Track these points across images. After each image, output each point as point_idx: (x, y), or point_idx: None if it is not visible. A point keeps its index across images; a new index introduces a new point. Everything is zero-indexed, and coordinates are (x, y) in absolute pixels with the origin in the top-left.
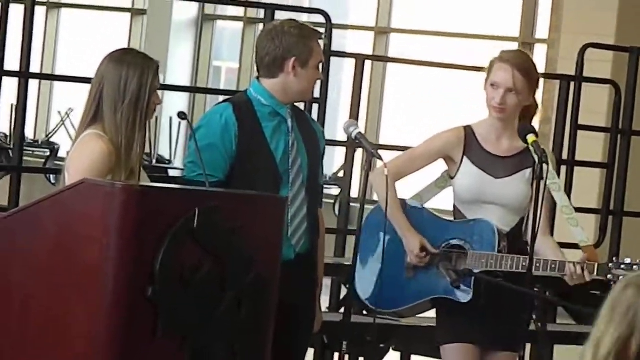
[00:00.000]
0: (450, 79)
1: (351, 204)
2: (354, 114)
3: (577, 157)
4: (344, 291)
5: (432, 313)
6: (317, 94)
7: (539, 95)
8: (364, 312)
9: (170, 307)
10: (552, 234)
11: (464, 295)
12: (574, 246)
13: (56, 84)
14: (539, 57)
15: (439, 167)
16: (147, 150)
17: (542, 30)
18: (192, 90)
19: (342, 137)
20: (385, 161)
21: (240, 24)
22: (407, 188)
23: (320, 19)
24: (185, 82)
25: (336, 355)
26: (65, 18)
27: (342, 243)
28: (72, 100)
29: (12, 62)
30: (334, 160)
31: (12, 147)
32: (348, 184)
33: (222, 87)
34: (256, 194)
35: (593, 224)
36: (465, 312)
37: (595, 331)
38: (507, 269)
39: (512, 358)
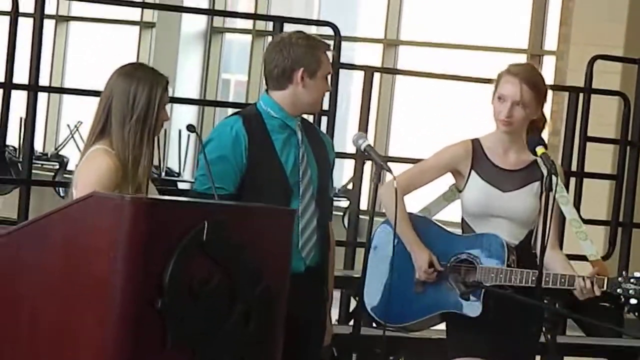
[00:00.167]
0: (459, 91)
1: (360, 217)
2: (363, 126)
3: (586, 169)
4: (353, 304)
5: (441, 325)
6: (326, 106)
7: (547, 107)
8: (374, 325)
9: (179, 319)
10: (561, 247)
11: (473, 310)
12: (583, 258)
13: (65, 97)
14: (548, 69)
15: (447, 180)
16: (156, 163)
17: (551, 41)
18: (201, 102)
19: (351, 149)
20: (395, 174)
21: (248, 37)
22: (415, 201)
23: (329, 31)
24: (194, 94)
25: None
26: (74, 31)
27: (351, 255)
28: (81, 113)
29: (21, 75)
30: (343, 172)
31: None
32: (357, 197)
33: (231, 99)
34: (265, 206)
35: (602, 235)
36: (474, 325)
37: None
38: (517, 283)
39: None
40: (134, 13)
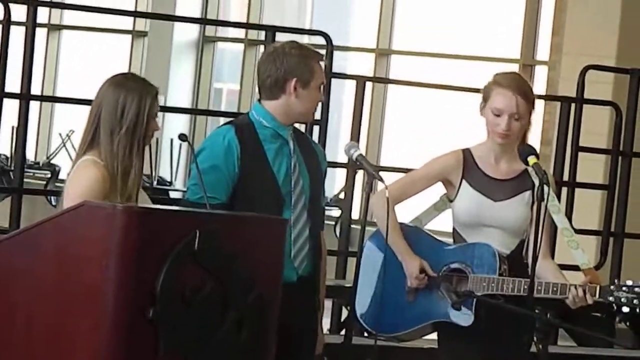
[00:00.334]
0: (451, 101)
1: (352, 226)
2: (355, 136)
3: (578, 179)
4: (344, 313)
5: (433, 335)
6: (317, 116)
7: (539, 117)
8: (365, 334)
9: (172, 327)
10: (552, 256)
11: (465, 319)
12: (575, 268)
13: (57, 105)
14: (540, 79)
15: (438, 190)
16: (147, 172)
17: (543, 51)
18: (193, 112)
19: (343, 159)
20: (386, 183)
21: (241, 46)
22: (406, 211)
23: (321, 40)
24: (186, 103)
25: None
26: (66, 40)
27: (343, 265)
28: (73, 122)
29: (13, 83)
30: (334, 182)
31: (13, 168)
32: (349, 206)
33: (223, 108)
34: (257, 216)
35: (594, 245)
36: (466, 335)
37: None
38: (509, 292)
39: None
40: (126, 22)
